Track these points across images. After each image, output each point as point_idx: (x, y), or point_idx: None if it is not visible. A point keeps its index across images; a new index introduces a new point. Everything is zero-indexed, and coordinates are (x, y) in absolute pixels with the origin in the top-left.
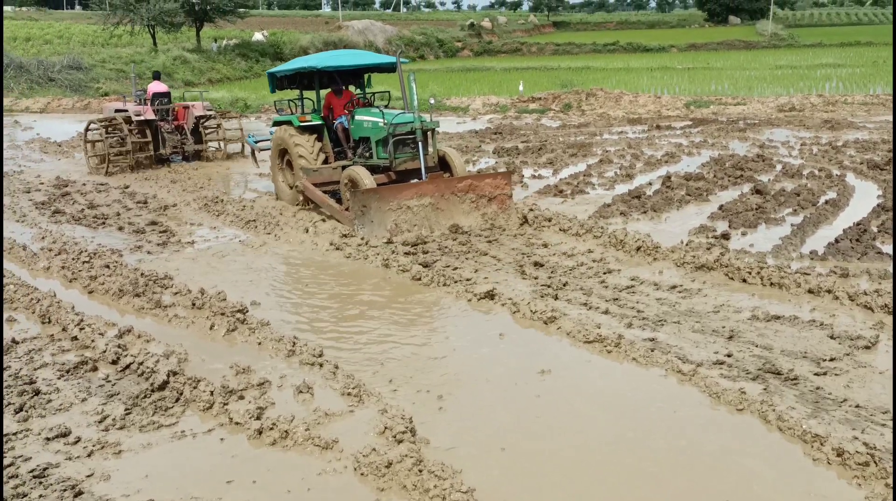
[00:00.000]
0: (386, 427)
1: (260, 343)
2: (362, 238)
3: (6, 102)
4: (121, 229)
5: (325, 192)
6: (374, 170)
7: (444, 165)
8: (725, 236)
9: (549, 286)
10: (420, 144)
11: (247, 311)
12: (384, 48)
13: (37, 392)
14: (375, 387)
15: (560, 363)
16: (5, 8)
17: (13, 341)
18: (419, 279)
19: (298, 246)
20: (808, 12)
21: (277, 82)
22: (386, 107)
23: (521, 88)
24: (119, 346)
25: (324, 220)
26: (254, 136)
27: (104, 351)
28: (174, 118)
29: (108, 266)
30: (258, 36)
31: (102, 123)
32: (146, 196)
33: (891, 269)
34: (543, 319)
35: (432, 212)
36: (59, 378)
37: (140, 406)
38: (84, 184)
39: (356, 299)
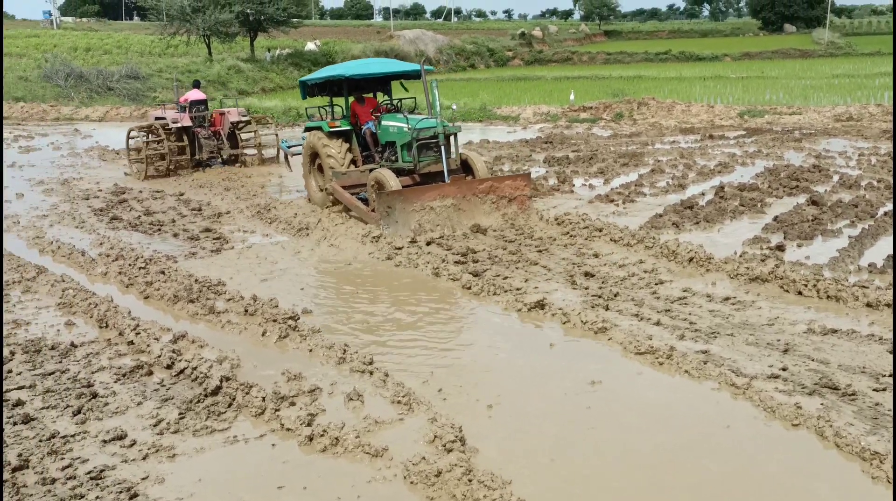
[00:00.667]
0: (436, 436)
1: (311, 350)
2: (390, 242)
3: (67, 110)
4: (175, 235)
5: (353, 194)
6: (399, 173)
7: (466, 167)
8: (780, 248)
9: (599, 297)
10: (443, 147)
11: (298, 318)
12: (435, 57)
13: (94, 395)
14: (425, 396)
15: (610, 374)
16: (65, 19)
17: (72, 344)
18: (469, 288)
19: (350, 254)
20: (867, 20)
21: (308, 90)
22: (411, 113)
23: (571, 97)
24: (174, 351)
25: (362, 228)
26: (287, 141)
27: (159, 356)
28: (211, 125)
29: (163, 272)
30: (311, 46)
31: (142, 130)
32: (200, 203)
33: None
34: (594, 329)
35: (454, 212)
36: (115, 382)
37: (193, 411)
38: (140, 191)
39: (406, 307)
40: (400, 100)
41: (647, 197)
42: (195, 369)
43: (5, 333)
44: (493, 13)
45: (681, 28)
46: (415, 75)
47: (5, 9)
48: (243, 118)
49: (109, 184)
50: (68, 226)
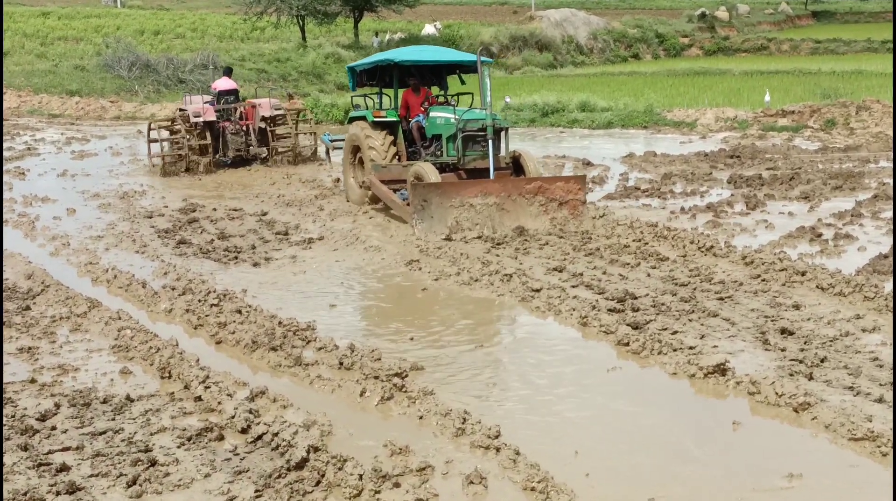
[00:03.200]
0: None
1: (422, 417)
2: (524, 283)
3: (130, 107)
4: (256, 264)
5: (393, 190)
6: (443, 169)
7: (518, 169)
8: None
9: (800, 362)
10: (490, 142)
11: (406, 375)
12: (588, 44)
13: (153, 463)
14: (567, 482)
15: (814, 466)
16: None
17: (128, 398)
18: (627, 344)
19: (468, 292)
20: None
21: (357, 78)
22: (471, 107)
23: (766, 98)
24: (250, 411)
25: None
26: (329, 134)
27: (232, 417)
28: (241, 118)
29: (239, 311)
30: (429, 29)
31: (161, 125)
32: (287, 226)
33: None
34: (793, 405)
35: (497, 212)
36: (178, 447)
37: (273, 488)
38: (214, 209)
39: (545, 367)
40: (457, 94)
41: (868, 231)
42: (276, 435)
43: (50, 379)
44: None
45: None
46: (472, 67)
47: None
48: (277, 112)
49: (177, 199)
50: (127, 250)
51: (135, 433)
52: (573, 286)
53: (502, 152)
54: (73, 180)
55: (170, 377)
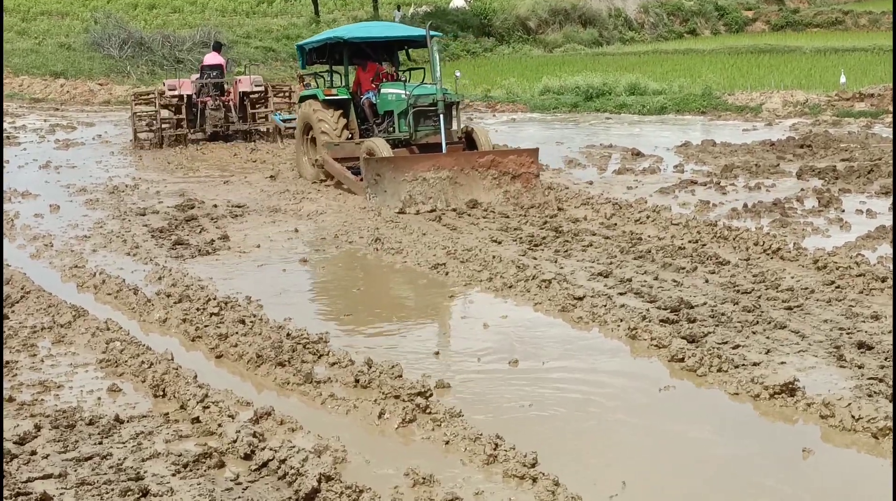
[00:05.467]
0: None
1: (448, 442)
2: (565, 289)
3: (121, 90)
4: (261, 266)
5: (347, 168)
6: (395, 144)
7: (470, 144)
8: None
9: (880, 381)
10: (441, 116)
11: (430, 394)
12: (638, 18)
13: (145, 492)
14: None
15: None
16: None
17: (117, 419)
18: (682, 360)
19: (501, 300)
20: None
21: (307, 56)
22: (422, 83)
23: (842, 79)
24: (254, 435)
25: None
26: (280, 113)
27: (234, 441)
28: (222, 94)
29: (242, 321)
30: (458, 2)
31: (141, 100)
32: (301, 217)
33: None
34: (872, 430)
35: (450, 186)
36: (173, 475)
37: None
38: (215, 205)
39: (588, 386)
40: (408, 70)
41: None
42: (283, 462)
43: (29, 398)
44: None
45: None
46: (422, 42)
47: None
48: (257, 88)
49: (174, 194)
50: (117, 252)
51: (124, 458)
52: (620, 294)
53: (454, 127)
54: (57, 173)
55: (164, 395)
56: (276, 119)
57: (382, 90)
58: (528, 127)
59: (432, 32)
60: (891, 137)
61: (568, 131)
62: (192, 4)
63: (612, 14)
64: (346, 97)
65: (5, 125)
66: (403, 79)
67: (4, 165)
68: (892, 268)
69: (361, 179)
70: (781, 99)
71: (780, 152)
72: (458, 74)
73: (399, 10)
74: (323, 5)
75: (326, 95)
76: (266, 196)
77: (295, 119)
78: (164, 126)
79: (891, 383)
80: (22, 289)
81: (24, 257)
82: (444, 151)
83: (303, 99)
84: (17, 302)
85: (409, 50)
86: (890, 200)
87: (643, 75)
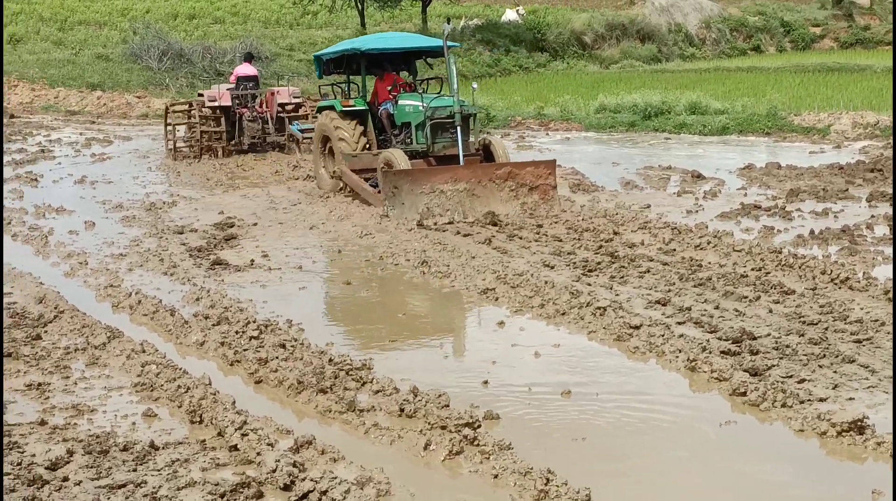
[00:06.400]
0: None
1: (497, 476)
2: (622, 318)
3: (159, 103)
4: (303, 288)
5: (364, 179)
6: (413, 156)
7: (488, 156)
8: None
9: None
10: (458, 128)
11: (479, 426)
12: (700, 34)
13: None
14: None
15: None
16: None
17: (152, 445)
18: (744, 394)
19: (553, 328)
20: None
21: (324, 66)
22: (439, 94)
23: None
24: (294, 464)
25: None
26: (298, 124)
27: (273, 471)
28: (260, 105)
29: (283, 345)
30: (511, 15)
31: (178, 110)
32: (346, 239)
33: None
34: None
35: (467, 198)
36: None
37: None
38: (254, 223)
39: (644, 420)
40: (426, 79)
41: None
42: (325, 493)
43: (62, 421)
44: None
45: None
46: (438, 52)
47: None
48: (294, 100)
49: (213, 212)
50: (154, 271)
51: (159, 487)
52: (679, 323)
53: (471, 138)
54: (93, 188)
55: (201, 421)
56: (294, 129)
57: (400, 102)
58: (582, 146)
59: (450, 43)
60: None
61: (625, 152)
62: (234, 15)
63: (672, 29)
64: (363, 108)
65: (41, 139)
66: (421, 90)
67: (39, 179)
68: (893, 272)
69: (379, 192)
70: (851, 120)
71: (849, 177)
72: (475, 86)
73: (449, 24)
74: (370, 17)
75: (344, 106)
76: (308, 216)
77: (313, 129)
78: (203, 138)
79: None
80: (55, 308)
81: (58, 275)
82: (461, 163)
83: (320, 110)
84: (51, 322)
85: (428, 59)
86: None
87: (704, 94)
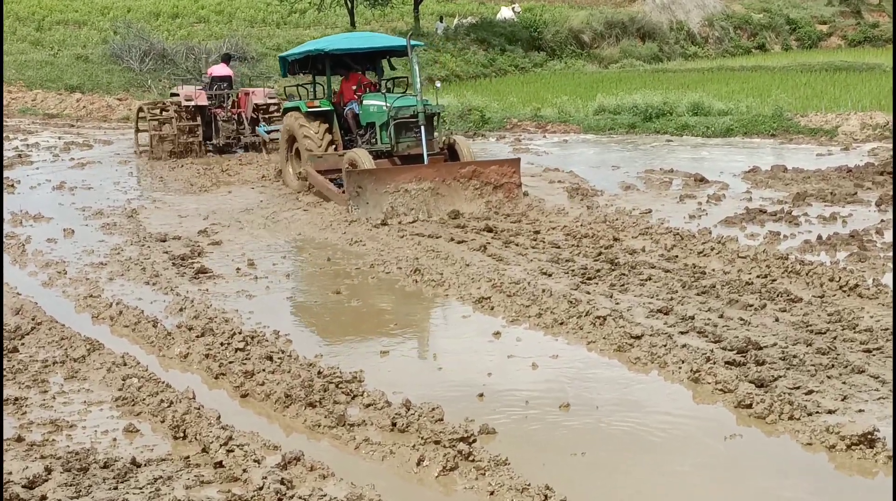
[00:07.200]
0: None
1: (493, 493)
2: (621, 327)
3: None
4: (290, 298)
5: (330, 180)
6: (378, 155)
7: (453, 155)
8: None
9: None
10: (423, 128)
11: (474, 440)
12: (702, 32)
13: None
14: None
15: None
16: None
17: (133, 462)
18: (749, 406)
19: (550, 338)
20: None
21: (290, 67)
22: (404, 93)
23: None
24: (282, 481)
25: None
26: (265, 125)
27: (260, 488)
28: (233, 106)
29: (270, 358)
30: (506, 13)
31: (152, 109)
32: (335, 247)
33: None
34: None
35: (431, 197)
36: None
37: None
38: (240, 229)
39: (645, 434)
40: (391, 79)
41: None
42: None
43: (40, 438)
44: None
45: None
46: (403, 51)
47: None
48: (270, 101)
49: (197, 218)
50: (135, 281)
51: None
52: (682, 333)
53: (435, 137)
54: (72, 195)
55: (184, 437)
56: (262, 131)
57: (364, 102)
58: (581, 149)
59: (413, 42)
60: None
61: (625, 154)
62: (219, 14)
63: (674, 27)
64: (328, 109)
65: (17, 143)
66: (385, 90)
67: (16, 185)
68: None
69: (344, 191)
70: (859, 121)
71: (857, 180)
72: (438, 84)
73: (442, 22)
74: (360, 15)
75: (309, 107)
76: (296, 223)
77: (278, 130)
78: (179, 135)
79: None
80: (33, 320)
81: (36, 285)
82: (425, 163)
83: (286, 111)
84: (28, 334)
85: (391, 59)
86: None
87: (707, 94)
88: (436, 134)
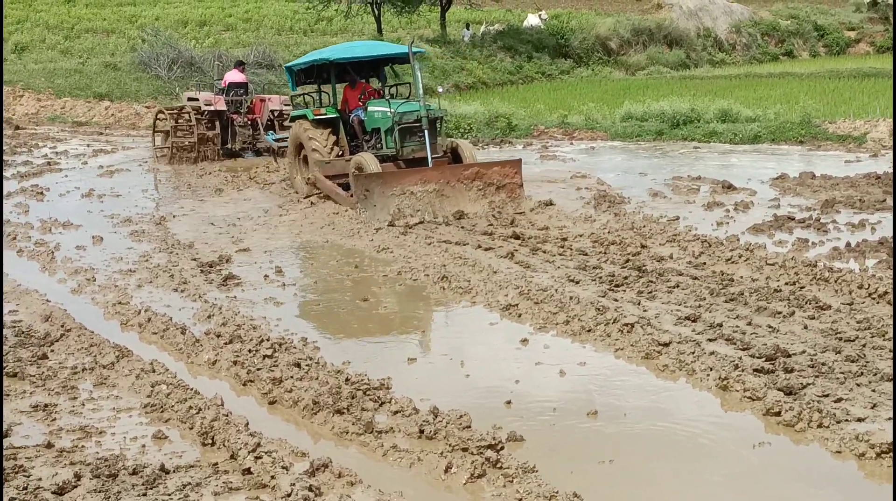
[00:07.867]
0: None
1: (520, 500)
2: (649, 334)
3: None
4: (318, 304)
5: (338, 184)
6: (384, 160)
7: (456, 158)
8: None
9: None
10: (426, 131)
11: (502, 448)
12: (729, 38)
13: None
14: None
15: None
16: None
17: (162, 469)
18: (778, 414)
19: (578, 345)
20: None
21: (296, 77)
22: (406, 99)
23: None
24: (310, 488)
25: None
26: (273, 133)
27: (288, 495)
28: (249, 111)
29: (298, 365)
30: (533, 20)
31: (171, 113)
32: (362, 254)
33: None
34: None
35: (437, 198)
36: None
37: None
38: (268, 238)
39: (673, 441)
40: (394, 85)
41: None
42: None
43: (69, 444)
44: None
45: None
46: (405, 59)
47: None
48: (286, 107)
49: (224, 225)
50: (164, 288)
51: None
52: (710, 340)
53: (438, 141)
54: (101, 202)
55: (213, 443)
56: (269, 139)
57: (369, 108)
58: (608, 156)
59: (415, 49)
60: None
61: (653, 161)
62: (246, 22)
63: (701, 34)
64: (334, 116)
65: (47, 151)
66: (388, 96)
67: (45, 192)
68: (892, 274)
69: (352, 195)
70: (888, 128)
71: (886, 186)
72: (440, 89)
73: (468, 29)
74: (387, 23)
75: (316, 115)
76: (323, 229)
77: (286, 138)
78: (196, 140)
79: None
80: (62, 327)
81: (65, 292)
82: (429, 165)
83: (293, 119)
84: (57, 341)
85: (394, 66)
86: None
87: (735, 101)
88: (438, 138)
